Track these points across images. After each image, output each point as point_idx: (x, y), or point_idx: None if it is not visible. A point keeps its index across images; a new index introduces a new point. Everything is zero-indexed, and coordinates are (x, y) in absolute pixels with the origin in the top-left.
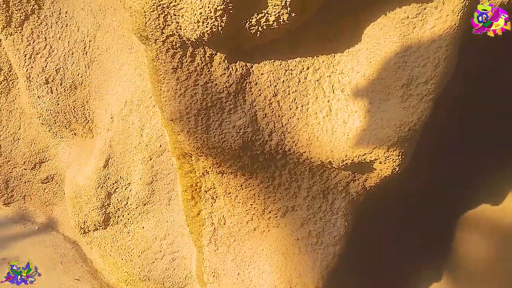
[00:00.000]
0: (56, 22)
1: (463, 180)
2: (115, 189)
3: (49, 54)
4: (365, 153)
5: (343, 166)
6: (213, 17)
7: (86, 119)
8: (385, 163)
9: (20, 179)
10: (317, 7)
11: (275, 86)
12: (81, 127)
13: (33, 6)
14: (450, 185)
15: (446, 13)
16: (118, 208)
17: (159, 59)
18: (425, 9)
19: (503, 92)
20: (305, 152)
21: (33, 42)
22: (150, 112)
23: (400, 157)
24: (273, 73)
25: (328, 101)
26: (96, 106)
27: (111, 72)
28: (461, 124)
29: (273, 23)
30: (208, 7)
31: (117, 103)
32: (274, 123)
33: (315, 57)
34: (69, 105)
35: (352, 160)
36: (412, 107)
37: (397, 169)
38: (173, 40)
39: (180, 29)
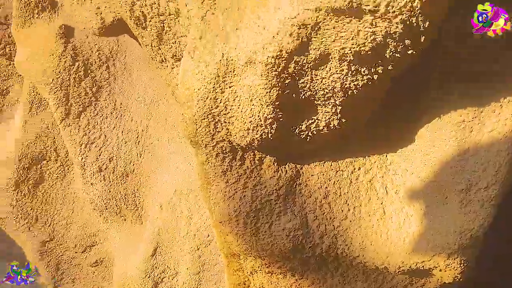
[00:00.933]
0: (111, 113)
1: None
2: (162, 278)
3: (103, 143)
4: (424, 261)
5: (399, 272)
6: (263, 124)
7: (136, 206)
8: (445, 271)
9: (70, 262)
10: (369, 114)
11: (326, 187)
12: (131, 214)
13: (91, 98)
14: None
15: (505, 116)
16: None
17: (209, 163)
18: (482, 112)
19: None
20: (358, 256)
21: (89, 132)
22: (199, 201)
23: (462, 265)
24: (323, 174)
25: (381, 203)
26: (146, 194)
27: (161, 161)
28: None
29: (323, 129)
30: (258, 115)
31: (166, 192)
32: (325, 225)
33: (366, 157)
34: (120, 192)
35: (409, 267)
36: (473, 213)
37: (459, 277)
38: (223, 146)
39: (230, 135)
